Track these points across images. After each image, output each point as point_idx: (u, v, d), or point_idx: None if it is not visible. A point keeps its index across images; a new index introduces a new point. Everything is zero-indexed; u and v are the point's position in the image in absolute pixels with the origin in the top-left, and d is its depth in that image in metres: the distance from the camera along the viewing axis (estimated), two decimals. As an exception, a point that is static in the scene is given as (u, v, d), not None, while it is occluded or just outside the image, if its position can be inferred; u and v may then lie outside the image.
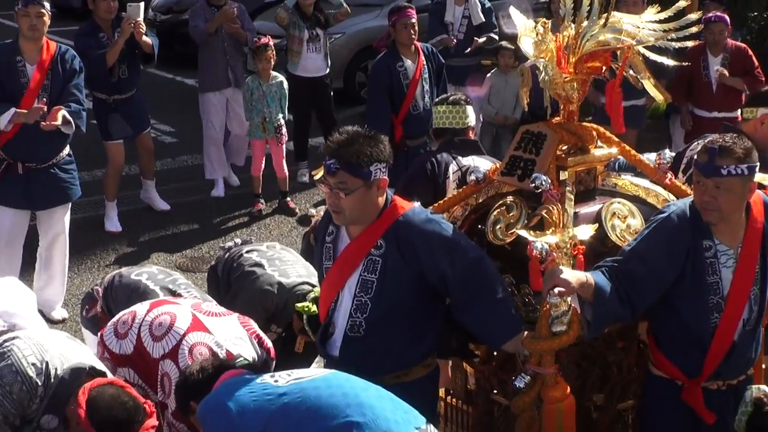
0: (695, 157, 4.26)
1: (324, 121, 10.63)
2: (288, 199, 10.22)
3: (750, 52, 9.80)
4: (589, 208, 4.39)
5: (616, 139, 4.64)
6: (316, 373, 3.83)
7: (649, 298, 4.09)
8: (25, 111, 6.73)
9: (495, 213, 4.46)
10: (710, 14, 9.57)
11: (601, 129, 4.63)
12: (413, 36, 9.03)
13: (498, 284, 4.16)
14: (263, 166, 10.04)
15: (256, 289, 5.41)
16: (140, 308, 4.68)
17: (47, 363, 4.05)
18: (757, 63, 9.77)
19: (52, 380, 4.04)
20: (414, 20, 9.08)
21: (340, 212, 4.04)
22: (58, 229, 7.19)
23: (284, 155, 9.92)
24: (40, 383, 4.00)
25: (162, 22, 14.54)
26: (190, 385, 4.02)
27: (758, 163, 4.01)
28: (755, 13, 12.30)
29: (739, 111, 8.48)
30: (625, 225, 4.36)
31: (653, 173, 4.73)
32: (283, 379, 3.64)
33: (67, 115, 6.86)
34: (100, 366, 4.22)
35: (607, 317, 3.99)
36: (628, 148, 4.70)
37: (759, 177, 4.34)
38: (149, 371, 4.54)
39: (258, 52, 9.57)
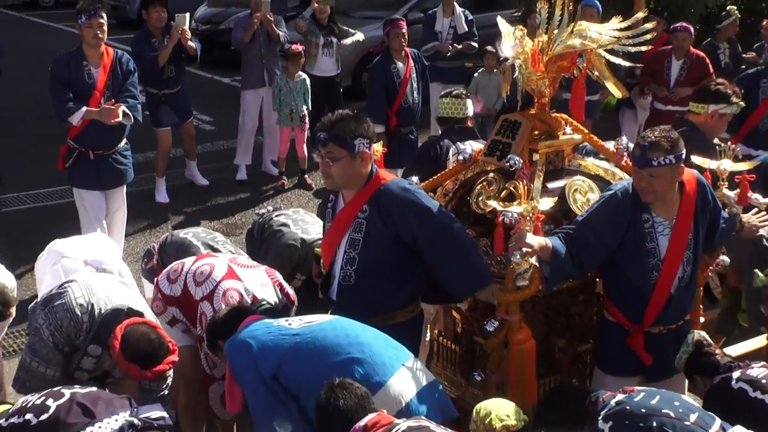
0: (632, 150, 4.33)
1: (334, 110, 10.61)
2: (306, 176, 10.20)
3: (708, 61, 9.73)
4: (556, 184, 4.39)
5: (581, 127, 4.68)
6: (323, 318, 3.92)
7: (595, 260, 4.21)
8: (96, 109, 6.71)
9: (478, 187, 4.49)
10: (677, 24, 9.56)
11: (569, 118, 4.66)
12: (403, 43, 9.10)
13: (468, 246, 4.22)
14: (287, 148, 10.03)
15: (283, 244, 5.50)
16: (188, 260, 4.78)
17: (93, 304, 4.22)
18: (712, 70, 9.65)
19: (96, 318, 4.22)
20: (404, 30, 9.18)
21: (329, 177, 4.12)
22: (119, 203, 7.17)
23: (305, 140, 9.86)
24: (85, 320, 4.20)
25: (203, 31, 14.12)
26: (217, 327, 4.19)
27: (684, 151, 4.10)
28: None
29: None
30: (585, 199, 4.39)
31: (612, 156, 4.79)
32: (296, 323, 3.82)
33: (126, 110, 6.88)
34: (139, 307, 4.34)
35: (561, 275, 4.09)
36: (591, 135, 4.75)
37: (713, 163, 4.64)
38: (191, 310, 4.66)
39: (292, 58, 9.56)
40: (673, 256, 4.24)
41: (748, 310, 5.50)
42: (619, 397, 3.66)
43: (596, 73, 4.50)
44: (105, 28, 6.95)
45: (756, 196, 4.70)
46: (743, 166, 4.70)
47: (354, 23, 12.20)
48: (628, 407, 3.55)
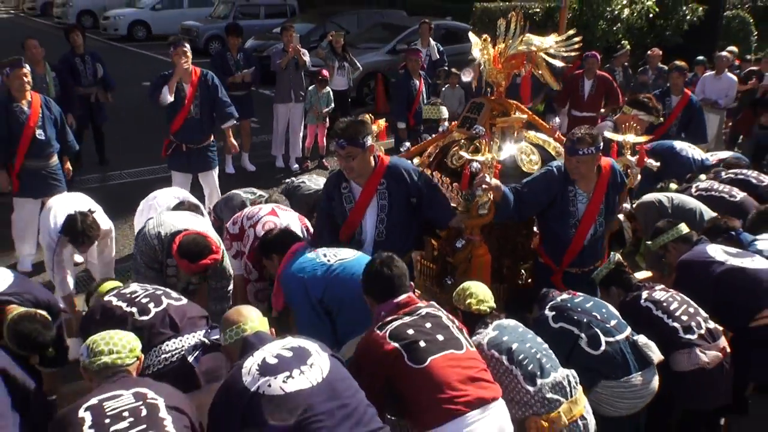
0: (564, 142, 4.45)
1: (344, 115, 10.58)
2: (324, 160, 10.17)
3: (611, 78, 9.80)
4: (508, 148, 4.60)
5: (527, 110, 4.89)
6: (351, 254, 3.87)
7: (530, 211, 4.43)
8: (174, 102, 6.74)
9: (453, 149, 4.66)
10: (588, 53, 9.52)
11: (518, 103, 4.83)
12: (418, 66, 9.20)
13: (442, 192, 4.39)
14: (312, 140, 9.99)
15: (301, 194, 5.77)
16: (246, 209, 4.89)
17: (160, 232, 4.37)
18: (616, 85, 9.76)
19: (164, 240, 4.33)
20: (421, 58, 9.43)
21: (352, 171, 4.15)
22: (212, 184, 7.11)
23: (325, 134, 9.80)
24: (156, 244, 4.36)
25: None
26: (271, 241, 4.16)
27: (601, 144, 4.24)
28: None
29: (601, 111, 9.28)
30: (529, 159, 4.63)
31: (547, 131, 5.01)
32: (332, 258, 3.79)
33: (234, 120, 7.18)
34: (202, 229, 4.41)
35: (506, 213, 4.22)
36: (533, 115, 5.00)
37: (620, 137, 4.81)
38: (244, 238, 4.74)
39: (321, 81, 9.57)
40: (588, 217, 4.37)
41: (644, 255, 5.60)
42: (564, 296, 3.82)
43: (540, 71, 4.61)
44: (189, 54, 6.84)
45: (650, 161, 4.98)
46: (641, 139, 4.81)
47: (358, 51, 12.05)
48: (568, 304, 3.70)
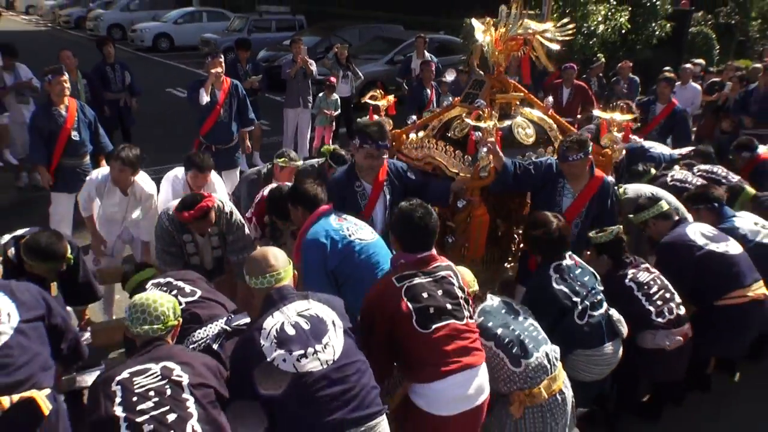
0: (557, 149, 4.41)
1: (347, 119, 10.57)
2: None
3: (588, 87, 9.75)
4: (506, 122, 4.45)
5: (523, 89, 4.73)
6: (371, 236, 3.68)
7: (525, 184, 4.28)
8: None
9: (456, 122, 4.55)
10: (566, 65, 9.53)
11: (516, 82, 4.70)
12: (431, 77, 9.30)
13: (435, 178, 4.42)
14: (320, 142, 9.82)
15: (303, 168, 5.43)
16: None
17: (168, 212, 4.19)
18: (591, 93, 9.70)
19: (172, 217, 4.15)
20: (432, 68, 9.51)
21: (374, 170, 4.09)
22: (234, 181, 6.90)
23: (331, 135, 9.82)
24: (168, 225, 4.16)
25: (264, 66, 13.93)
26: (302, 193, 3.79)
27: (590, 148, 4.16)
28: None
29: (578, 117, 9.08)
30: (524, 132, 4.50)
31: (542, 108, 4.86)
32: (354, 234, 3.57)
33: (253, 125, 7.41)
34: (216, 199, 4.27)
35: (506, 180, 4.11)
36: (529, 93, 4.84)
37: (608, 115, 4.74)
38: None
39: (329, 87, 9.49)
40: (569, 213, 4.21)
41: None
42: (568, 261, 3.67)
43: (536, 54, 4.51)
44: (223, 65, 7.01)
45: (634, 137, 5.03)
46: (627, 117, 4.72)
47: (359, 62, 12.03)
48: (571, 273, 3.60)
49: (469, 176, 4.17)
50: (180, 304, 3.03)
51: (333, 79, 9.82)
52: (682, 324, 3.83)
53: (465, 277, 3.24)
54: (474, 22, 4.64)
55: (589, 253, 4.19)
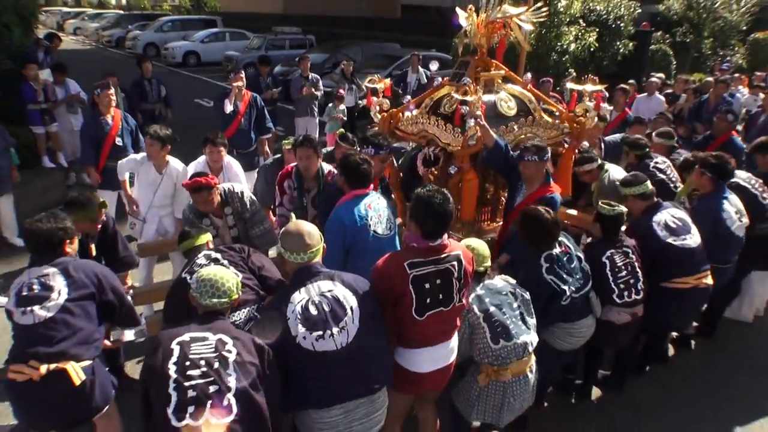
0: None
1: (352, 126, 10.57)
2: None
3: (561, 98, 9.35)
4: (490, 97, 4.29)
5: (503, 67, 4.58)
6: (388, 232, 3.62)
7: (507, 169, 4.08)
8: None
9: (445, 99, 4.44)
10: (543, 78, 9.45)
11: (497, 62, 4.54)
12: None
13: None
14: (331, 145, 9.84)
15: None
16: None
17: (189, 202, 4.22)
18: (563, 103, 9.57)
19: (191, 205, 4.17)
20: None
21: (379, 170, 4.06)
22: (253, 179, 6.90)
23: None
24: (189, 214, 4.16)
25: (280, 80, 13.95)
26: (348, 165, 3.59)
27: (547, 156, 4.03)
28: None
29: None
30: (507, 105, 4.35)
31: (522, 84, 4.76)
32: (374, 225, 3.52)
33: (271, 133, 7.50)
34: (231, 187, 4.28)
35: (497, 157, 3.99)
36: (509, 71, 4.63)
37: (580, 87, 4.59)
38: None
39: (338, 98, 9.34)
40: (523, 202, 4.01)
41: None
42: (558, 250, 3.60)
43: (513, 35, 4.42)
44: (244, 79, 7.14)
45: (605, 105, 4.71)
46: (598, 88, 4.65)
47: (361, 76, 12.00)
48: (560, 262, 3.55)
49: (459, 146, 4.06)
50: None
51: (342, 91, 9.83)
52: (635, 306, 3.83)
53: (481, 252, 3.19)
54: (458, 10, 4.49)
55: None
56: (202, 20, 28.12)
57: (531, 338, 3.17)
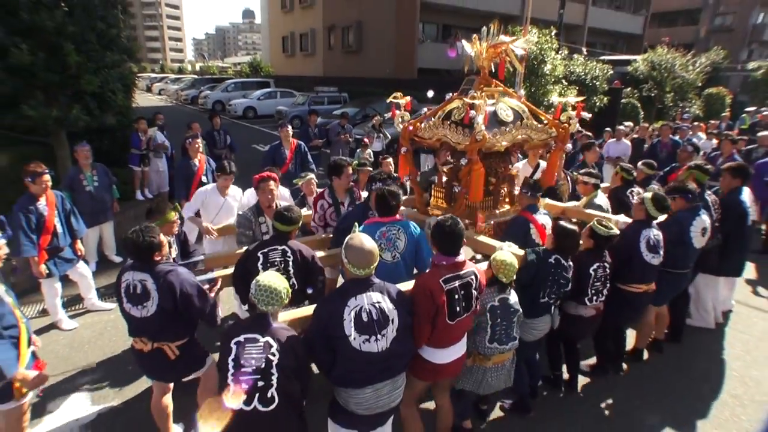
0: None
1: (377, 166, 10.62)
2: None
3: None
4: (492, 108, 4.27)
5: (502, 85, 4.57)
6: (391, 260, 3.50)
7: None
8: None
9: (455, 110, 4.37)
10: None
11: (497, 81, 4.57)
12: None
13: None
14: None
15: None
16: None
17: (250, 205, 4.30)
18: None
19: (253, 208, 4.22)
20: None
21: None
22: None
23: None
24: (249, 215, 4.18)
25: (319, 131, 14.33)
26: (384, 193, 3.54)
27: (538, 194, 4.11)
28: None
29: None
30: (505, 113, 4.31)
31: (517, 98, 4.65)
32: (384, 254, 3.44)
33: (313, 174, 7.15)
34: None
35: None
36: (506, 88, 4.61)
37: (562, 100, 4.64)
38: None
39: (364, 145, 9.27)
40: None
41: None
42: (563, 260, 3.61)
43: (509, 59, 4.38)
44: (290, 131, 7.14)
45: (584, 113, 4.65)
46: (578, 99, 4.66)
47: (386, 125, 12.17)
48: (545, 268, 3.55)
49: (468, 142, 4.03)
50: None
51: (367, 139, 9.96)
52: (597, 303, 3.84)
53: (512, 266, 3.14)
54: (463, 42, 4.47)
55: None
56: (258, 82, 28.70)
57: (515, 344, 3.30)
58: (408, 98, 4.82)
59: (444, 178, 4.85)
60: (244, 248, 3.72)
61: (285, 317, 3.03)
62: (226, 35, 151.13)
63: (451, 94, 4.61)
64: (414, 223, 3.72)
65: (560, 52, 13.43)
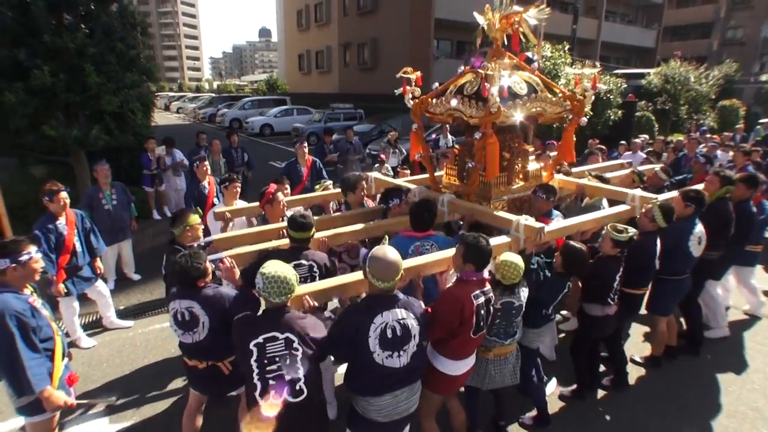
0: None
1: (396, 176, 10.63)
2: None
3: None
4: (505, 81, 4.03)
5: (515, 57, 4.37)
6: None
7: None
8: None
9: (467, 84, 4.22)
10: (548, 141, 9.18)
11: (510, 53, 4.36)
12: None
13: None
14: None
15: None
16: None
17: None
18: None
19: None
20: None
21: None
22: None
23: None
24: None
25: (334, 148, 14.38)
26: (421, 208, 3.52)
27: (552, 198, 4.11)
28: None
29: None
30: (519, 86, 4.13)
31: (531, 71, 4.40)
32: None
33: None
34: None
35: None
36: (521, 61, 4.40)
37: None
38: None
39: (381, 162, 9.09)
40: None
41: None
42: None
43: (522, 30, 4.19)
44: (306, 148, 7.10)
45: (600, 85, 4.47)
46: (595, 70, 4.37)
47: (402, 142, 12.16)
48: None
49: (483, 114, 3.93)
50: None
51: (383, 156, 9.89)
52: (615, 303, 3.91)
53: (519, 266, 3.08)
54: (475, 14, 4.31)
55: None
56: (275, 99, 28.95)
57: (516, 338, 3.33)
58: (419, 73, 4.64)
59: (456, 154, 4.71)
60: (259, 249, 3.51)
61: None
62: (243, 54, 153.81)
63: (463, 67, 4.43)
64: (444, 236, 3.67)
65: (573, 66, 13.34)
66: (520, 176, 4.56)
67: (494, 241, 3.39)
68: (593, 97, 4.33)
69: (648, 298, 4.53)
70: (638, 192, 4.51)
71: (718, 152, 10.22)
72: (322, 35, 32.93)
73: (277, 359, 2.39)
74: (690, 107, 18.56)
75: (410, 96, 4.54)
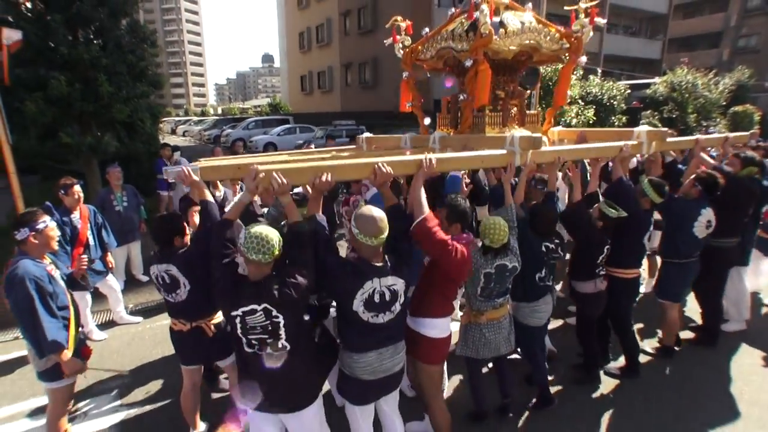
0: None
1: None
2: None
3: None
4: (497, 17, 3.98)
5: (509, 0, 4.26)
6: None
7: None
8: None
9: (457, 26, 4.12)
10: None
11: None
12: None
13: None
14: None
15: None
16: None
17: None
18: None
19: (276, 205, 3.98)
20: None
21: None
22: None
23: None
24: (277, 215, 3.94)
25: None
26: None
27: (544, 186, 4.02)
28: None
29: None
30: (511, 22, 4.04)
31: (521, 9, 4.31)
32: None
33: None
34: None
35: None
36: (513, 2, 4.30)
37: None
38: None
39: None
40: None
41: None
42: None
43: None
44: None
45: (598, 18, 4.19)
46: (592, 3, 4.17)
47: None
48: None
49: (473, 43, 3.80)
50: None
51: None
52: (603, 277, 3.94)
53: (504, 229, 3.12)
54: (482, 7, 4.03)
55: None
56: (278, 119, 29.49)
57: (506, 298, 3.35)
58: (409, 21, 4.55)
59: (448, 104, 4.60)
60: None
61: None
62: (247, 79, 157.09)
63: (453, 10, 4.31)
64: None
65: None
66: (517, 120, 4.45)
67: (487, 153, 3.32)
68: (591, 34, 4.16)
69: (655, 283, 4.58)
70: (645, 128, 4.31)
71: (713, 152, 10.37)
72: (324, 56, 33.81)
73: (259, 328, 2.42)
74: (699, 115, 18.71)
75: (400, 45, 4.49)
